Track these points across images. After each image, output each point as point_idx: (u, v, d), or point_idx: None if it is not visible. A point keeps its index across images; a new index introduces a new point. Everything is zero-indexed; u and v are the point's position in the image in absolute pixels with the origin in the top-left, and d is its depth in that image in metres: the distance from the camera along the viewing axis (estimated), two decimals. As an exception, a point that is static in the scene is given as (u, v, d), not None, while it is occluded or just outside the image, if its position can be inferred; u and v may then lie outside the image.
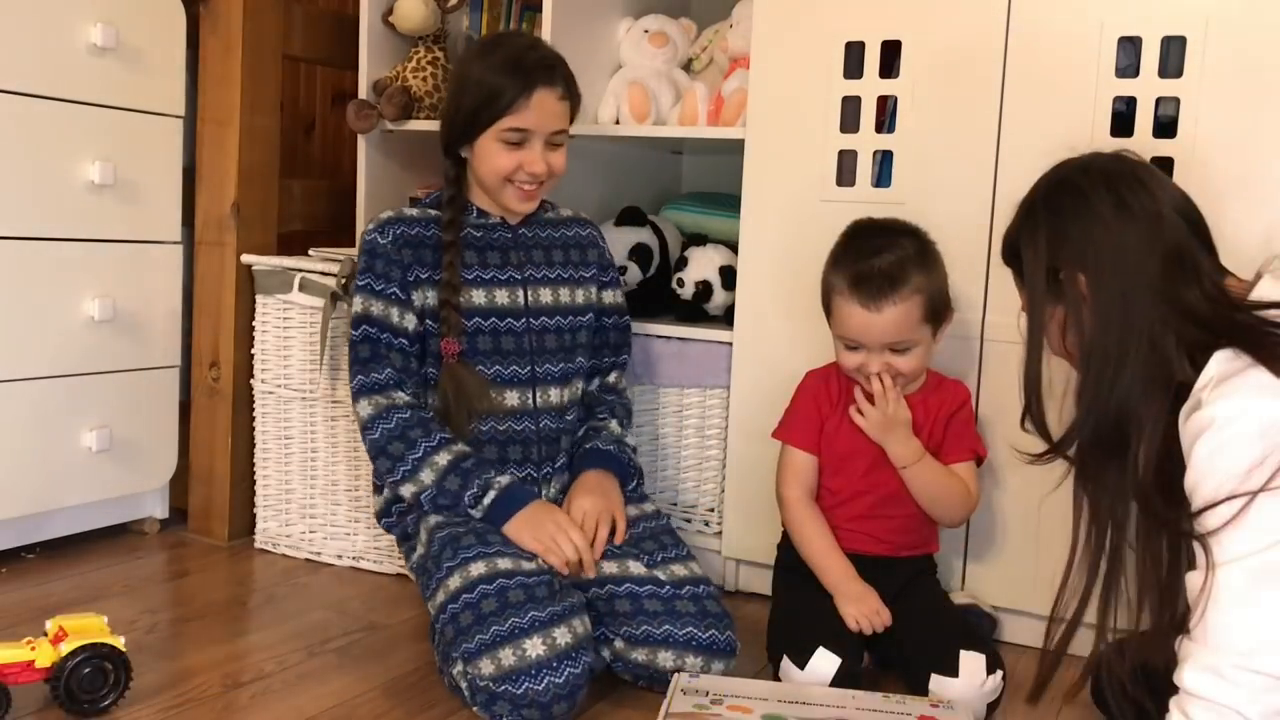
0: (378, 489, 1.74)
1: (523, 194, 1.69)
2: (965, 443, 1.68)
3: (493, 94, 1.62)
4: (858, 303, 1.58)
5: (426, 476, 1.59)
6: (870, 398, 1.64)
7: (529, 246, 1.76)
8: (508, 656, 1.39)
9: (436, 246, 1.68)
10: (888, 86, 1.82)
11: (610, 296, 1.85)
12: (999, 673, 1.51)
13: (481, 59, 1.66)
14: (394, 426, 1.61)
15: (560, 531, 1.55)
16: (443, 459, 1.59)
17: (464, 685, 1.45)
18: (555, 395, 1.73)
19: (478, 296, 1.69)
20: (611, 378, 1.86)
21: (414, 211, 1.72)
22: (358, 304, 1.67)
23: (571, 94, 1.69)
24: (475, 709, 1.44)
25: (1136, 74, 1.64)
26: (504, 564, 1.48)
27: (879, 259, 1.58)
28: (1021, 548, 1.77)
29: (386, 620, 1.82)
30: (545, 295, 1.75)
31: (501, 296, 1.71)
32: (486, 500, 1.57)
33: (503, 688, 1.38)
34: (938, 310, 1.62)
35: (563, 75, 1.67)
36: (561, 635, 1.41)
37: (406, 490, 1.61)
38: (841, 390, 1.71)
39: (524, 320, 1.72)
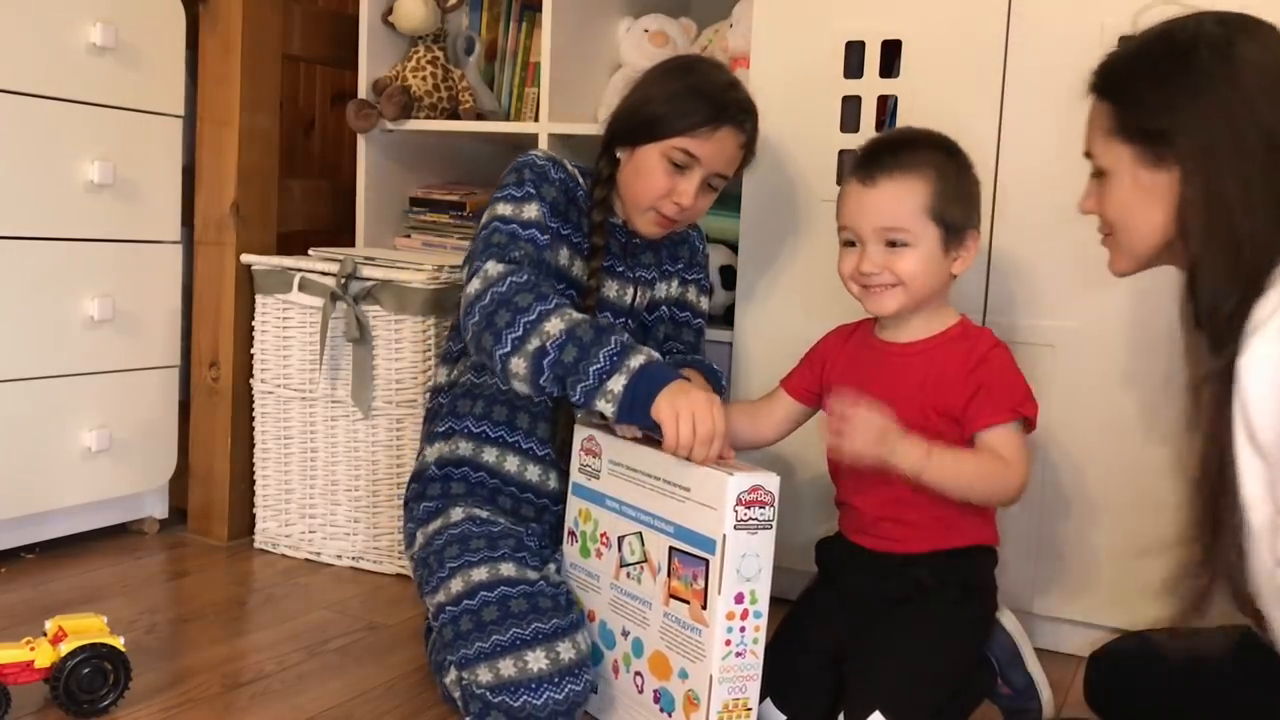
0: (428, 436, 1.63)
1: (659, 220, 1.57)
2: (995, 400, 1.37)
3: (682, 110, 1.51)
4: (855, 178, 1.40)
5: (554, 325, 1.37)
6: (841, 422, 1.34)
7: (640, 251, 1.68)
8: (507, 667, 1.35)
9: (581, 211, 1.59)
10: (888, 86, 1.82)
11: (693, 293, 1.75)
12: None
13: (681, 75, 1.57)
14: (525, 281, 1.42)
15: (708, 416, 1.31)
16: (577, 314, 1.40)
17: (457, 694, 1.43)
18: None
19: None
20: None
21: (570, 168, 1.61)
22: (506, 209, 1.52)
23: (750, 147, 1.59)
24: (468, 718, 1.40)
25: (1137, 74, 1.64)
26: (508, 571, 1.43)
27: (890, 133, 1.43)
28: (1022, 549, 1.77)
29: (386, 620, 1.82)
30: (646, 296, 1.68)
31: (610, 289, 1.63)
32: (634, 362, 1.33)
33: (499, 698, 1.35)
34: (950, 215, 1.38)
35: (752, 125, 1.58)
36: (565, 650, 1.37)
37: (531, 344, 1.37)
38: (858, 336, 1.51)
39: (622, 320, 1.65)
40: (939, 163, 1.39)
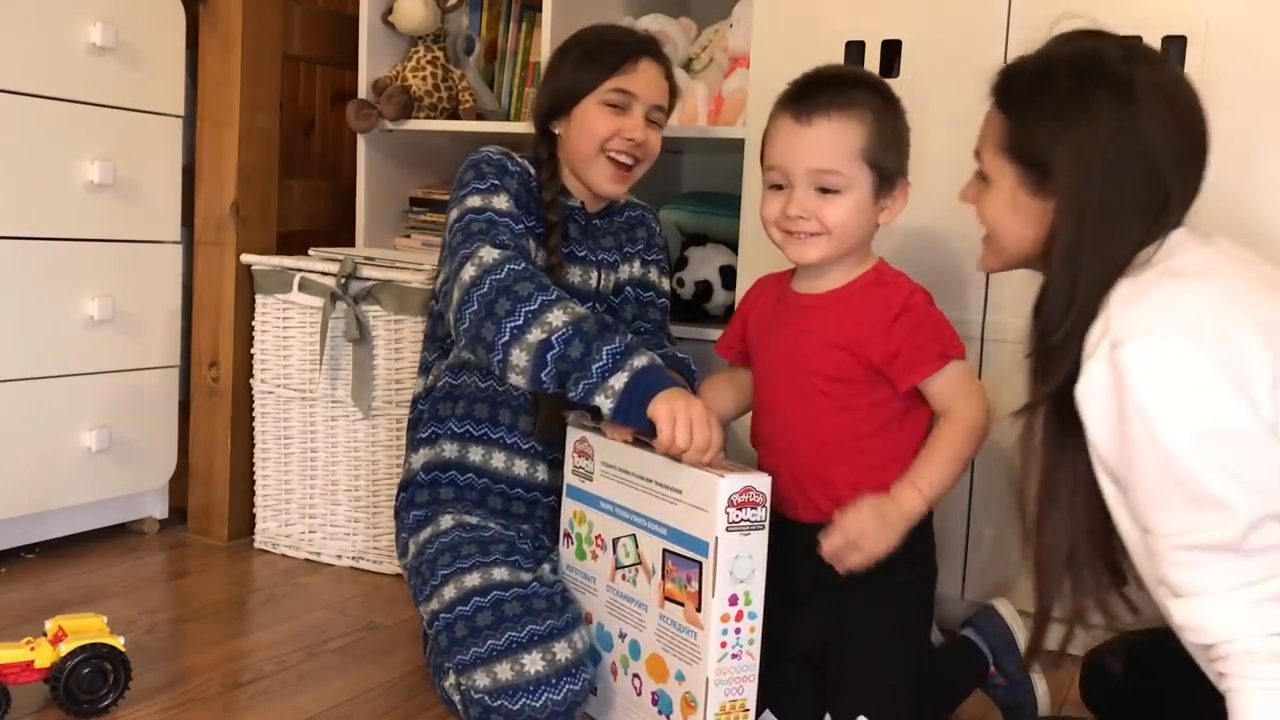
0: (412, 444, 1.64)
1: (615, 171, 1.58)
2: (922, 353, 1.33)
3: (599, 58, 1.57)
4: (788, 115, 1.35)
5: (557, 317, 1.35)
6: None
7: (600, 234, 1.68)
8: (505, 671, 1.35)
9: (538, 201, 1.59)
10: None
11: (654, 274, 1.75)
12: None
13: (584, 37, 1.63)
14: (524, 269, 1.41)
15: (704, 424, 1.30)
16: (580, 308, 1.38)
17: (456, 698, 1.43)
18: None
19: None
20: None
21: (521, 160, 1.61)
22: (476, 200, 1.51)
23: (672, 80, 1.64)
24: None
25: (1136, 74, 1.64)
26: (500, 575, 1.43)
27: (825, 70, 1.39)
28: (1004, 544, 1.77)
29: (386, 620, 1.82)
30: (610, 280, 1.69)
31: (574, 275, 1.63)
32: (638, 362, 1.33)
33: (498, 702, 1.35)
34: (884, 161, 1.34)
35: (666, 58, 1.63)
36: (562, 651, 1.37)
37: (532, 334, 1.35)
38: (778, 289, 1.47)
39: (589, 305, 1.64)
40: (875, 105, 1.35)
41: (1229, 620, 0.99)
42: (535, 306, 1.36)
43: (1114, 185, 1.10)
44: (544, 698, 1.34)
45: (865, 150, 1.33)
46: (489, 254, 1.43)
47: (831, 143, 1.32)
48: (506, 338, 1.36)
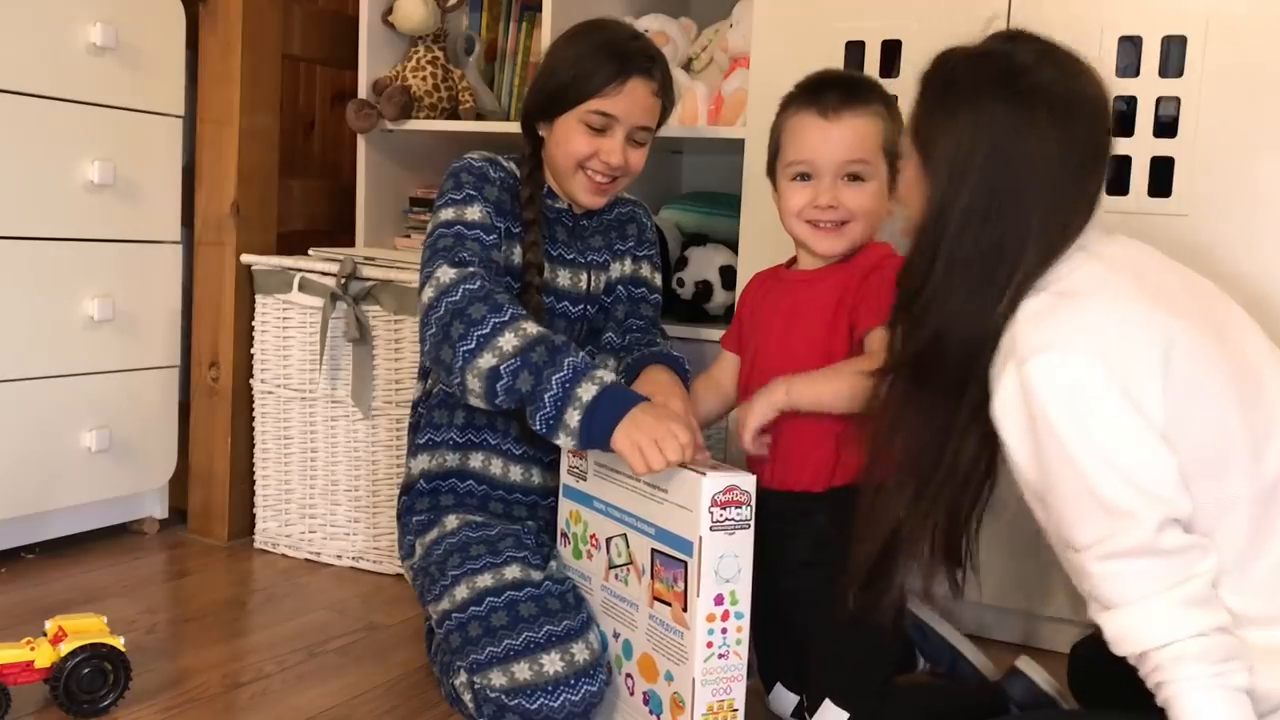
0: (412, 449, 1.64)
1: (593, 186, 1.58)
2: (876, 304, 1.38)
3: (585, 72, 1.53)
4: (815, 112, 1.43)
5: (508, 341, 1.36)
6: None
7: (588, 234, 1.69)
8: (523, 671, 1.35)
9: (523, 205, 1.60)
10: (887, 86, 1.81)
11: (646, 269, 1.75)
12: None
13: (580, 38, 1.58)
14: (479, 288, 1.42)
15: (669, 437, 1.29)
16: (532, 328, 1.38)
17: (468, 696, 1.42)
18: None
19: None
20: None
21: (507, 164, 1.61)
22: (448, 214, 1.53)
23: (666, 94, 1.60)
24: None
25: (1137, 74, 1.64)
26: (512, 574, 1.43)
27: (834, 74, 1.50)
28: (1023, 549, 1.77)
29: (386, 620, 1.82)
30: (600, 280, 1.69)
31: (563, 277, 1.63)
32: (587, 395, 1.32)
33: (515, 701, 1.34)
34: (894, 153, 1.43)
35: (661, 72, 1.58)
36: (580, 652, 1.37)
37: (484, 360, 1.36)
38: (773, 278, 1.55)
39: (581, 307, 1.65)
40: (884, 104, 1.46)
41: (1155, 626, 1.03)
42: (487, 330, 1.38)
43: (983, 188, 1.14)
44: (562, 698, 1.34)
45: (884, 143, 1.44)
46: (445, 274, 1.45)
47: (859, 136, 1.42)
48: (461, 362, 1.39)
